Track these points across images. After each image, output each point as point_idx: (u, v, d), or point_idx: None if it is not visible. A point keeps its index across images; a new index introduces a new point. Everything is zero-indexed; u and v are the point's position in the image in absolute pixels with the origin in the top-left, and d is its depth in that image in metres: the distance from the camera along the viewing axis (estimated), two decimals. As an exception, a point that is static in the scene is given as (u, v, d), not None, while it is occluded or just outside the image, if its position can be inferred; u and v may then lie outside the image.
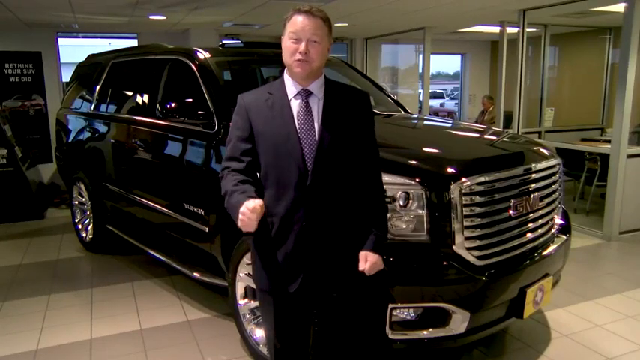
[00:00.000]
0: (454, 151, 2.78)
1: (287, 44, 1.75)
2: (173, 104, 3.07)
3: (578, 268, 4.19)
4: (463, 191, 2.33)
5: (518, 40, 6.20)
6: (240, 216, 1.60)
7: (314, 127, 1.77)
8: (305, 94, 1.79)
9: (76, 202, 4.95)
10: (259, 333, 2.75)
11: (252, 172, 1.82)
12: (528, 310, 2.55)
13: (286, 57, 1.77)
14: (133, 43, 8.30)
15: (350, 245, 1.85)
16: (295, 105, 1.79)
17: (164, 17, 6.61)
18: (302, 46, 1.72)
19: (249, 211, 1.58)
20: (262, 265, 1.85)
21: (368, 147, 1.87)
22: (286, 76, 1.83)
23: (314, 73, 1.78)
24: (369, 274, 1.85)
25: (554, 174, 2.82)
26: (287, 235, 1.78)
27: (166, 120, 3.38)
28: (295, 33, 1.73)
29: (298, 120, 1.77)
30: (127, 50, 4.76)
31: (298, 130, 1.75)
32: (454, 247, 2.32)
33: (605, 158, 5.23)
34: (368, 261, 1.82)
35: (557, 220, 2.93)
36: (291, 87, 1.81)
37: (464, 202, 2.33)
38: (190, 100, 3.15)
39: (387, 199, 2.28)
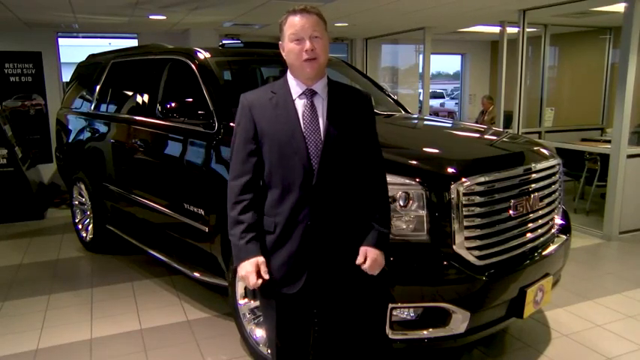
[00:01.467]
0: (454, 151, 2.78)
1: (290, 47, 1.75)
2: (173, 104, 3.07)
3: (578, 268, 4.19)
4: (463, 191, 2.33)
5: (518, 40, 6.20)
6: (242, 273, 1.80)
7: (319, 127, 1.77)
8: (310, 94, 1.80)
9: (76, 202, 4.95)
10: (259, 333, 2.75)
11: (258, 179, 1.82)
12: (528, 310, 2.55)
13: (292, 59, 1.76)
14: (133, 43, 8.30)
15: (354, 244, 1.85)
16: (300, 104, 1.79)
17: (164, 17, 6.61)
18: (307, 44, 1.72)
19: (250, 282, 1.78)
20: (265, 265, 1.84)
21: (371, 146, 1.88)
22: (290, 77, 1.83)
23: (321, 70, 1.79)
24: (370, 272, 1.84)
25: (554, 174, 2.82)
26: (291, 234, 1.78)
27: (166, 120, 3.38)
28: (296, 33, 1.73)
29: (304, 119, 1.77)
30: (126, 50, 4.76)
31: (304, 130, 1.76)
32: (454, 247, 2.32)
33: (605, 158, 5.23)
34: (368, 257, 1.83)
35: (558, 220, 2.93)
36: (295, 87, 1.81)
37: (464, 202, 2.33)
38: (190, 100, 3.14)
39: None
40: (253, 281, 1.77)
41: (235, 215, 1.81)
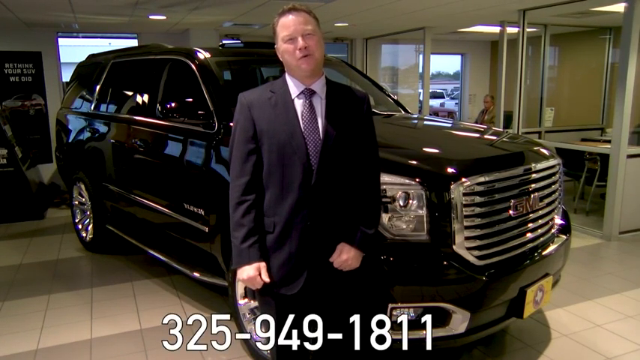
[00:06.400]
0: (454, 151, 2.77)
1: (284, 47, 1.77)
2: (173, 104, 3.07)
3: (578, 268, 4.19)
4: (463, 191, 2.33)
5: (518, 40, 6.20)
6: (242, 276, 1.80)
7: (318, 126, 1.77)
8: (308, 94, 1.80)
9: (76, 202, 4.95)
10: (259, 333, 2.74)
11: (258, 179, 1.81)
12: (528, 310, 2.55)
13: (288, 59, 1.78)
14: (133, 43, 8.30)
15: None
16: (299, 104, 1.80)
17: (164, 17, 6.61)
18: (300, 42, 1.73)
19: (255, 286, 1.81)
20: (266, 269, 1.83)
21: (368, 146, 1.87)
22: (288, 77, 1.84)
23: (318, 67, 1.79)
24: (340, 268, 1.82)
25: (554, 174, 2.82)
26: (290, 235, 1.78)
27: (166, 120, 3.38)
28: (289, 34, 1.75)
29: (303, 119, 1.77)
30: (126, 50, 4.76)
31: (303, 129, 1.76)
32: (454, 247, 2.32)
33: (605, 158, 5.23)
34: (341, 255, 1.81)
35: (557, 220, 2.93)
36: (294, 87, 1.81)
37: (464, 202, 2.33)
38: (190, 100, 3.15)
39: (387, 199, 2.28)
40: (258, 286, 1.79)
41: (238, 218, 1.80)
